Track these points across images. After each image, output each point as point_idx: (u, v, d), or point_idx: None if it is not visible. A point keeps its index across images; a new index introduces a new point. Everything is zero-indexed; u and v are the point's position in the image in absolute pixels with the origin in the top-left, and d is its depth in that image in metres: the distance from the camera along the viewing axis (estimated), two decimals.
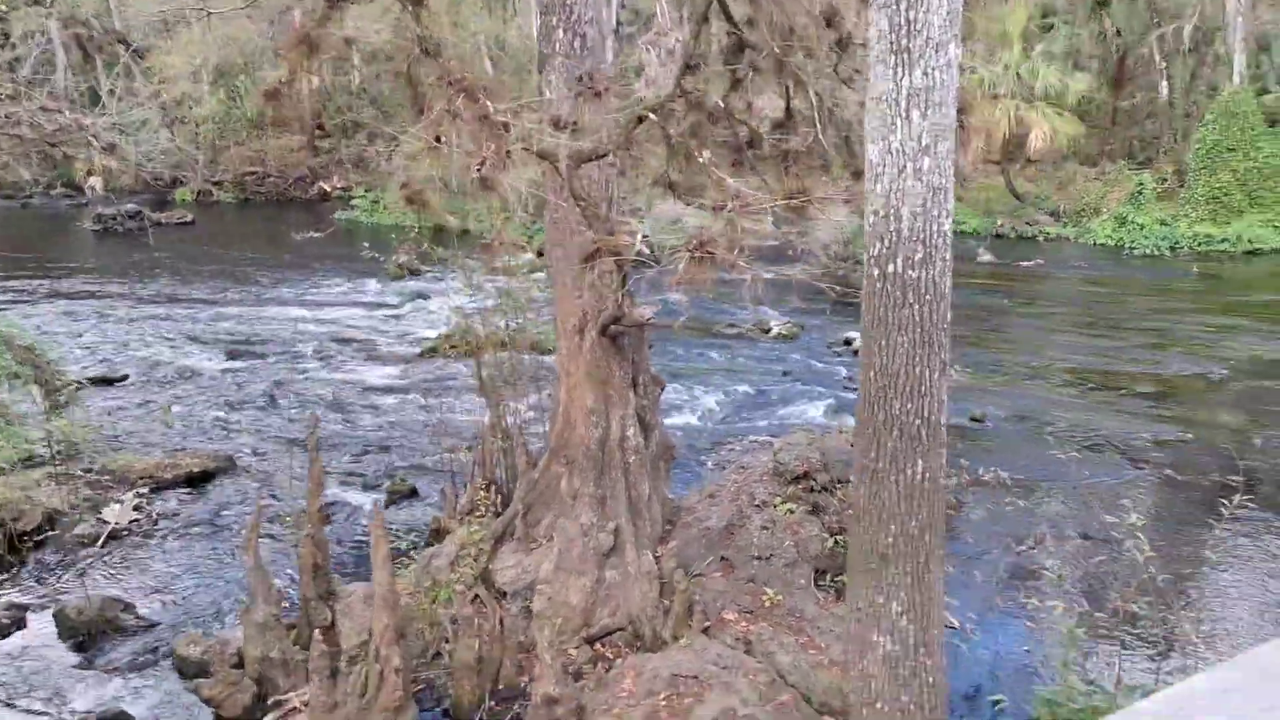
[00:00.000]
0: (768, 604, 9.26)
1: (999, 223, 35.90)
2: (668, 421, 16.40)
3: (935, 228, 4.58)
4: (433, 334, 22.48)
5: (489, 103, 6.47)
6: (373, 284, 29.00)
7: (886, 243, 4.65)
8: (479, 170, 6.18)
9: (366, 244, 37.17)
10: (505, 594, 9.64)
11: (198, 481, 14.27)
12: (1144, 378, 18.27)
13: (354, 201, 43.05)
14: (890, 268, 4.65)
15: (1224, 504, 7.32)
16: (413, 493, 13.50)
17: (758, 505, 10.05)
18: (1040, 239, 34.18)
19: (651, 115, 7.19)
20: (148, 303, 26.77)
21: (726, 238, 6.85)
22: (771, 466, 10.47)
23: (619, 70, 38.51)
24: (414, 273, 29.89)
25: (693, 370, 19.31)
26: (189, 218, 43.20)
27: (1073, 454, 14.30)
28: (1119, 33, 37.46)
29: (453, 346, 21.03)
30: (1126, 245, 31.63)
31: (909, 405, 4.68)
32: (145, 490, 13.71)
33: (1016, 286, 27.20)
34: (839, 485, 10.21)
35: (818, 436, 11.09)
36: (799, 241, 25.90)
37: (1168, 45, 34.39)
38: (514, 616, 9.56)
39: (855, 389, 17.90)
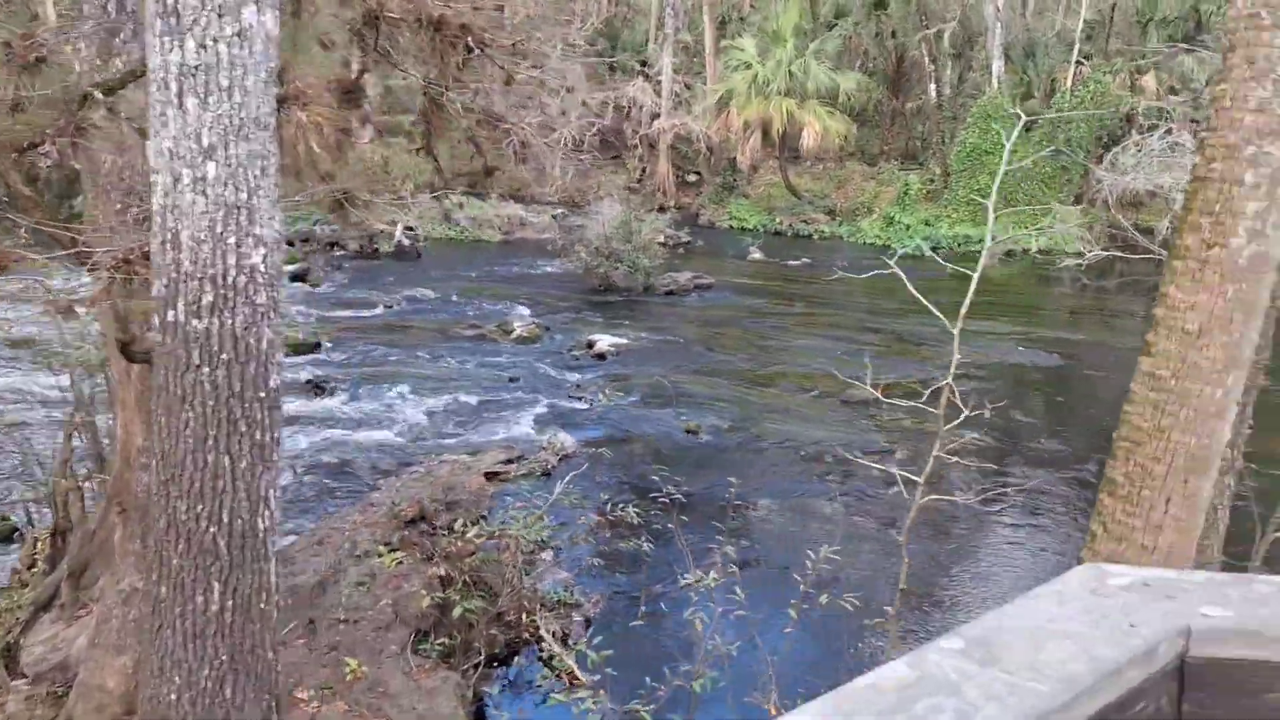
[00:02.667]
0: (350, 677, 7.88)
1: (778, 220, 35.82)
2: (364, 436, 14.86)
3: (232, 261, 3.27)
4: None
5: None
6: (86, 279, 25.98)
7: (165, 280, 3.31)
8: None
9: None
10: (28, 677, 7.91)
11: None
12: (872, 384, 17.87)
13: None
14: (170, 315, 3.32)
15: (810, 556, 6.41)
16: (13, 535, 11.44)
17: (358, 555, 8.65)
18: (815, 237, 34.26)
19: (98, 95, 5.63)
20: None
21: None
22: (387, 507, 9.10)
23: None
24: None
25: (413, 376, 17.74)
26: None
27: (777, 469, 13.58)
28: (894, 34, 37.99)
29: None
30: (892, 245, 31.90)
31: (200, 507, 3.37)
32: None
33: (777, 287, 26.85)
34: (449, 532, 8.95)
35: (450, 470, 9.78)
36: (562, 236, 24.57)
37: (934, 49, 34.97)
38: (38, 704, 7.87)
39: (579, 398, 16.90)
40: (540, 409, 16.08)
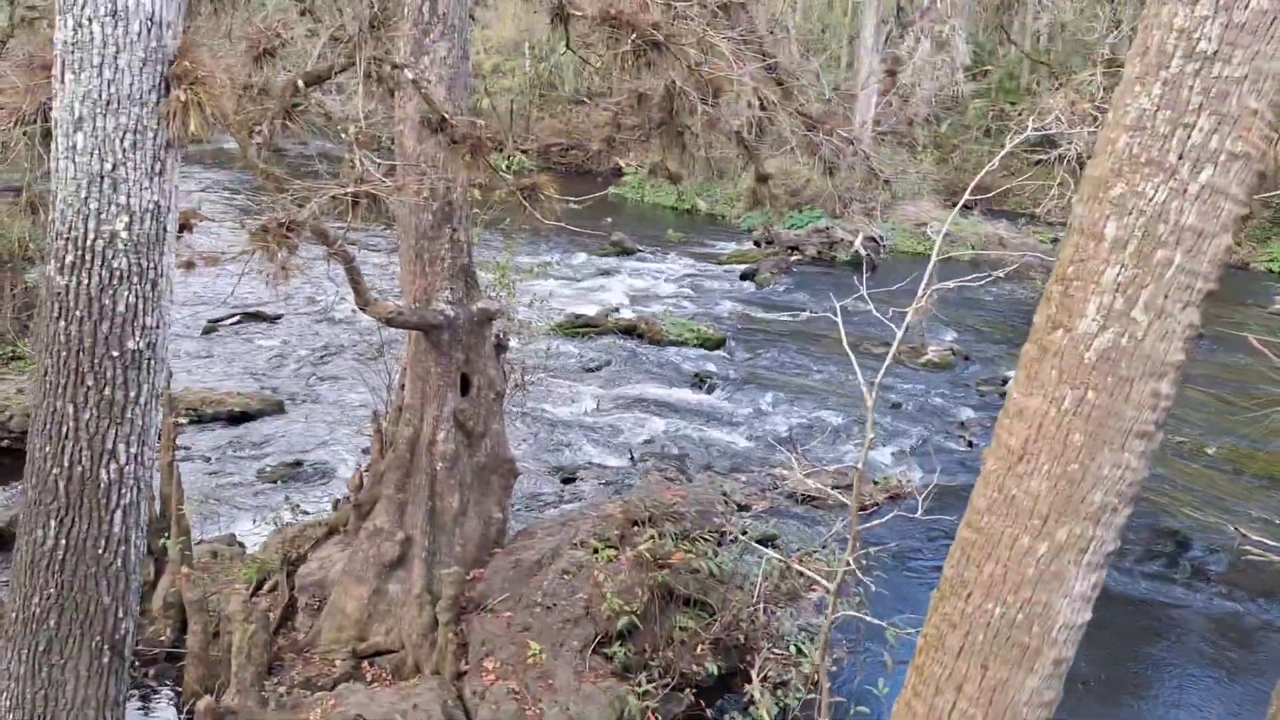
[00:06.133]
0: (530, 661, 8.06)
1: None
2: (714, 433, 15.02)
3: (93, 226, 3.48)
4: (587, 311, 22.19)
5: None
6: (580, 257, 29.06)
7: (49, 237, 3.62)
8: None
9: (609, 219, 37.80)
10: (294, 586, 9.16)
11: (239, 420, 14.99)
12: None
13: (625, 177, 43.61)
14: (48, 269, 3.61)
15: None
16: None
17: (576, 544, 8.80)
18: None
19: (301, 84, 6.27)
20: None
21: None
22: (620, 506, 9.14)
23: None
24: (628, 253, 29.84)
25: (797, 385, 17.56)
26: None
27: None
28: None
29: (579, 328, 20.70)
30: None
31: (46, 447, 3.62)
32: (183, 422, 14.56)
33: None
34: (679, 538, 8.72)
35: (699, 482, 9.54)
36: (1015, 252, 22.91)
37: None
38: (298, 613, 9.10)
39: (959, 437, 15.47)
40: (908, 441, 15.03)
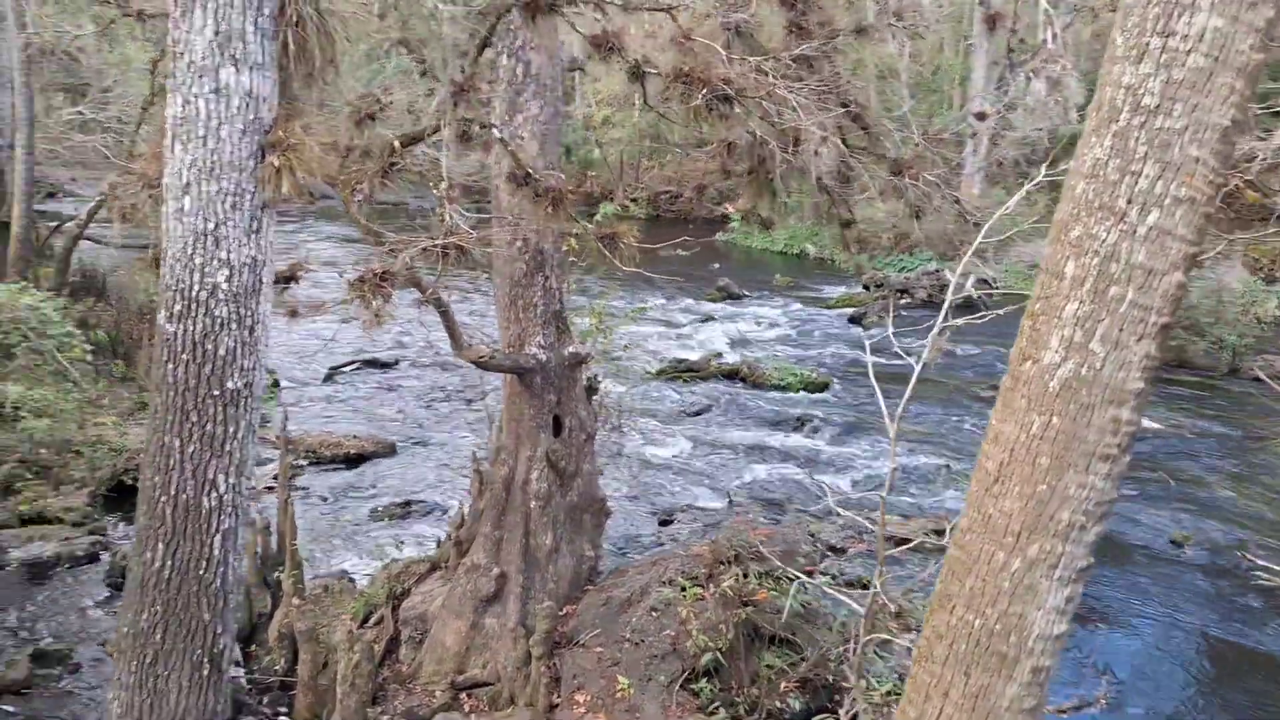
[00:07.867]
0: (619, 695, 8.26)
1: None
2: (817, 477, 15.01)
3: (197, 279, 3.91)
4: (689, 356, 22.44)
5: None
6: (686, 301, 29.37)
7: (160, 289, 4.07)
8: None
9: (717, 265, 37.99)
10: (400, 620, 9.57)
11: (354, 462, 15.70)
12: None
13: (732, 223, 43.93)
14: (159, 317, 4.06)
15: None
16: None
17: (665, 583, 8.99)
18: None
19: (397, 144, 6.76)
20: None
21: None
22: (708, 546, 9.29)
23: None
24: (734, 298, 30.09)
25: (903, 430, 17.35)
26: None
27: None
28: None
29: (681, 372, 20.96)
30: None
31: (156, 478, 4.03)
32: (303, 464, 15.35)
33: None
34: (763, 577, 8.83)
35: (788, 524, 9.64)
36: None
37: None
38: (402, 645, 9.50)
39: None
40: None
